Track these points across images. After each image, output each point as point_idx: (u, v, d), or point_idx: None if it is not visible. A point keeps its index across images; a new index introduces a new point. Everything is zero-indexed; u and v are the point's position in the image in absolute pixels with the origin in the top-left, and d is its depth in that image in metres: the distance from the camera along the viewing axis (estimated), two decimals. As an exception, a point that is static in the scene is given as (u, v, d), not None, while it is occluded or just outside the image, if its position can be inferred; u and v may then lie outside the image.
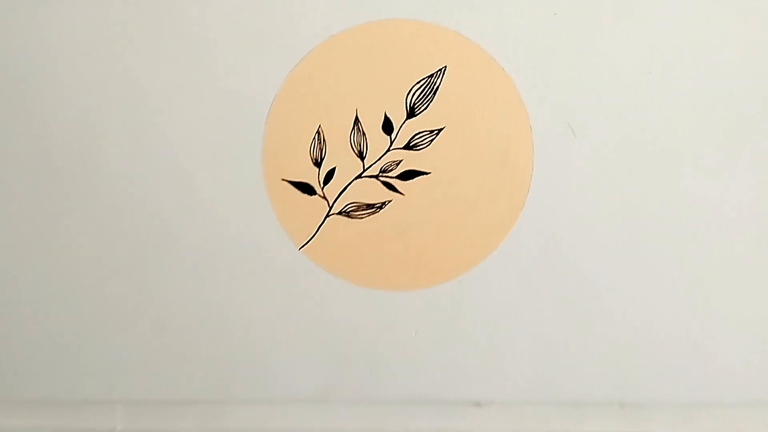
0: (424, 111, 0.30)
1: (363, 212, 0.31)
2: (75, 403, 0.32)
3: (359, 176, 0.30)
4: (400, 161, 0.30)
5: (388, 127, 0.30)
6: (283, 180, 0.30)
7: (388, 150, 0.30)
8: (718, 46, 0.29)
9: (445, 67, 0.30)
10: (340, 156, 0.30)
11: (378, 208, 0.31)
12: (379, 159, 0.30)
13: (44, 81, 0.29)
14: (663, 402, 0.31)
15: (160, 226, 0.31)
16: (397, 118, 0.30)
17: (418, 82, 0.30)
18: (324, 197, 0.30)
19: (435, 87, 0.30)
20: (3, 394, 0.32)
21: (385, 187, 0.30)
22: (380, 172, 0.30)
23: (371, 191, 0.30)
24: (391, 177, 0.30)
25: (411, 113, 0.30)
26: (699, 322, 0.31)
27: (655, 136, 0.29)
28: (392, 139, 0.30)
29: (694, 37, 0.29)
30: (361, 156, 0.30)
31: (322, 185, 0.30)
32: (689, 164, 0.30)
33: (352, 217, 0.31)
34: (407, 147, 0.30)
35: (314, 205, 0.30)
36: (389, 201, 0.30)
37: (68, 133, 0.30)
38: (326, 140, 0.30)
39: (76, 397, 0.32)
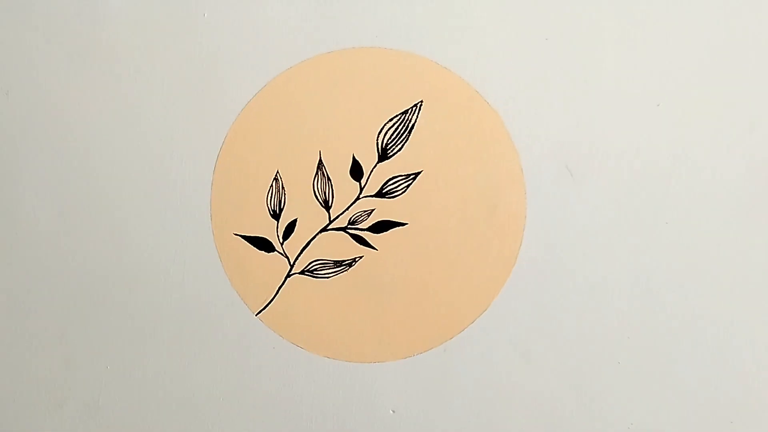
0: (399, 153, 0.26)
1: (330, 270, 0.27)
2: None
3: (324, 229, 0.27)
4: (372, 211, 0.26)
5: (357, 171, 0.26)
6: (236, 234, 0.26)
7: (358, 198, 0.27)
8: (736, 72, 0.26)
9: (422, 101, 0.26)
10: (301, 206, 0.26)
11: (347, 265, 0.27)
12: (348, 209, 0.27)
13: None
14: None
15: (96, 293, 0.27)
16: (368, 161, 0.26)
17: (391, 119, 0.26)
18: (284, 254, 0.27)
19: (410, 125, 0.26)
20: None
21: (355, 241, 0.27)
22: (349, 223, 0.27)
23: (339, 246, 0.27)
24: (362, 229, 0.27)
25: (383, 155, 0.26)
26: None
27: (666, 176, 0.26)
28: (362, 185, 0.26)
29: (709, 61, 0.25)
30: (327, 205, 0.27)
31: (281, 240, 0.27)
32: (706, 213, 0.26)
33: (317, 277, 0.27)
34: (380, 194, 0.26)
35: (273, 263, 0.27)
36: (360, 257, 0.27)
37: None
38: (285, 187, 0.26)
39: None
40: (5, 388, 0.27)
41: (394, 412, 0.27)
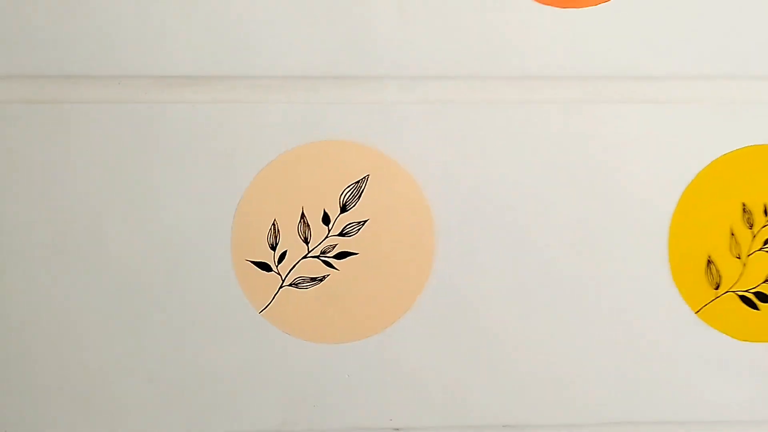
0: (353, 207, 0.39)
1: (308, 284, 0.39)
2: None
3: (305, 257, 0.39)
4: (336, 245, 0.39)
5: (326, 219, 0.39)
6: (247, 260, 0.39)
7: (327, 237, 0.39)
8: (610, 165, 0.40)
9: (368, 175, 0.39)
10: (290, 242, 0.39)
11: (319, 280, 0.39)
12: (320, 244, 0.39)
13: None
14: (542, 424, 0.41)
15: (148, 297, 0.39)
16: (333, 213, 0.39)
17: (349, 186, 0.39)
18: (278, 273, 0.39)
19: (361, 190, 0.39)
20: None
21: (324, 265, 0.39)
22: (321, 253, 0.39)
23: (314, 268, 0.39)
24: (329, 257, 0.39)
25: (343, 209, 0.39)
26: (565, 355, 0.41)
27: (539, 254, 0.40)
28: (329, 228, 0.39)
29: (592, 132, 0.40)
30: (306, 241, 0.39)
31: (276, 264, 0.39)
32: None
33: (300, 288, 0.39)
34: (341, 234, 0.39)
35: (270, 279, 0.39)
36: (327, 275, 0.39)
37: (78, 224, 0.39)
38: (280, 230, 0.39)
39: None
40: (89, 359, 0.40)
41: (348, 376, 0.41)
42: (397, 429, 0.40)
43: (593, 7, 0.39)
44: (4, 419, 0.39)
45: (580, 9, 0.39)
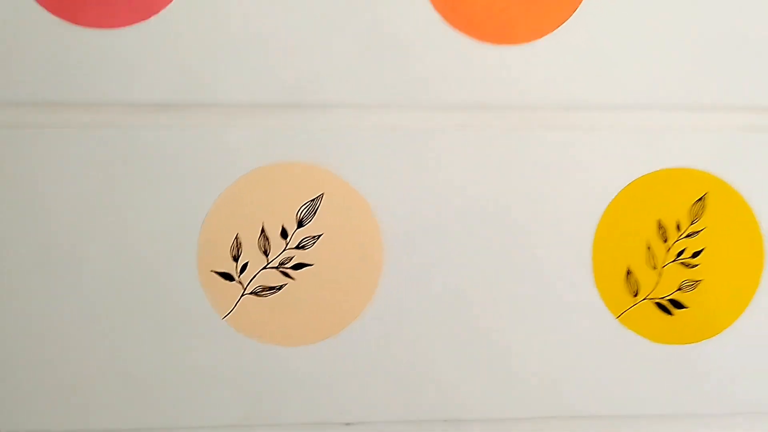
0: (309, 223, 0.43)
1: (267, 292, 0.43)
2: None
3: (264, 268, 0.43)
4: (293, 257, 0.43)
5: (284, 234, 0.43)
6: (212, 271, 0.43)
7: (284, 249, 0.43)
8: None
9: (323, 194, 0.43)
10: (251, 254, 0.42)
11: (277, 289, 0.43)
12: (278, 256, 0.42)
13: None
14: (478, 418, 0.46)
15: (123, 305, 0.43)
16: (291, 228, 0.42)
17: (305, 204, 0.43)
18: (240, 282, 0.43)
19: (316, 207, 0.43)
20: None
21: (282, 275, 0.43)
22: (279, 264, 0.43)
23: (272, 278, 0.43)
24: (287, 268, 0.43)
25: (300, 224, 0.43)
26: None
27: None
28: (287, 242, 0.43)
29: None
30: (266, 254, 0.43)
31: (238, 274, 0.43)
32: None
33: (260, 296, 0.43)
34: (298, 247, 0.43)
35: (233, 288, 0.42)
36: (285, 284, 0.43)
37: (58, 238, 0.42)
38: (242, 243, 0.42)
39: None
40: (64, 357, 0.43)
41: (305, 375, 0.45)
42: (349, 423, 0.44)
43: (526, 44, 0.43)
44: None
45: (514, 45, 0.43)
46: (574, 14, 0.43)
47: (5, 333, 0.42)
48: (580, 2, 0.43)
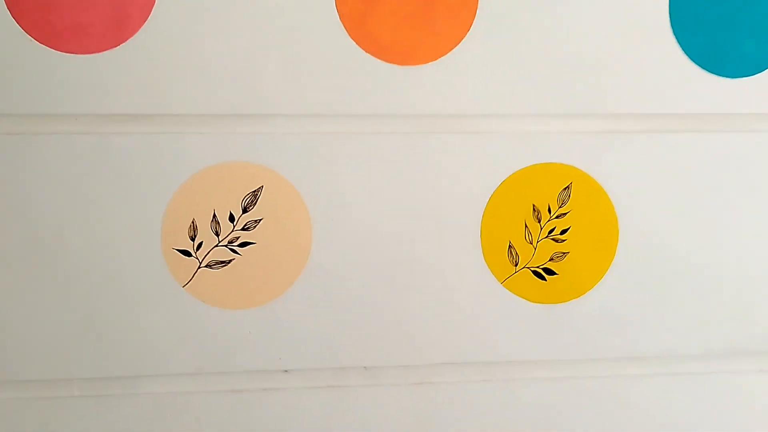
0: (252, 209, 0.53)
1: (218, 266, 0.53)
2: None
3: (216, 246, 0.52)
4: (239, 237, 0.52)
5: (231, 218, 0.52)
6: (173, 248, 0.53)
7: (232, 231, 0.52)
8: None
9: (262, 186, 0.53)
10: (205, 235, 0.52)
11: (227, 263, 0.52)
12: (227, 236, 0.52)
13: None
14: (390, 363, 0.57)
15: (97, 278, 0.53)
16: (237, 213, 0.52)
17: (248, 194, 0.53)
18: (196, 258, 0.52)
19: (257, 196, 0.53)
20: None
21: (230, 251, 0.52)
22: (228, 243, 0.52)
23: (223, 254, 0.52)
24: (234, 246, 0.52)
25: (244, 210, 0.52)
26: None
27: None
28: (234, 225, 0.52)
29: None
30: (217, 234, 0.52)
31: (195, 251, 0.52)
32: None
33: (212, 269, 0.53)
34: (243, 229, 0.52)
35: (191, 262, 0.52)
36: (233, 259, 0.52)
37: (41, 226, 0.52)
38: (198, 226, 0.52)
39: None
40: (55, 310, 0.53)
41: (250, 333, 0.56)
42: (286, 370, 0.55)
43: (424, 64, 0.54)
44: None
45: (414, 66, 0.54)
46: (460, 43, 0.54)
47: (8, 300, 0.52)
48: (466, 34, 0.54)
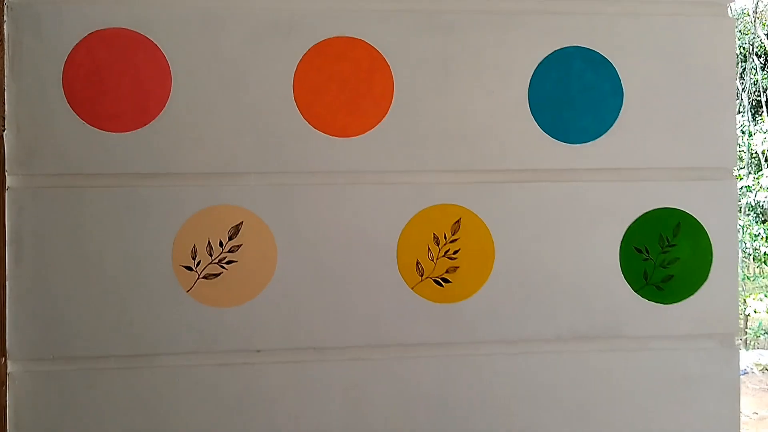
0: (235, 238, 0.78)
1: (212, 277, 0.78)
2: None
3: (210, 263, 0.78)
4: (226, 257, 0.78)
5: (221, 244, 0.77)
6: (180, 265, 0.78)
7: (221, 253, 0.78)
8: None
9: (243, 221, 0.78)
10: (202, 255, 0.78)
11: (218, 275, 0.78)
12: (218, 256, 0.77)
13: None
14: (335, 345, 0.81)
15: (126, 286, 0.77)
16: (224, 241, 0.77)
17: (232, 227, 0.78)
18: (196, 272, 0.78)
19: (239, 229, 0.78)
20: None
21: (220, 267, 0.78)
22: (218, 261, 0.78)
23: (214, 269, 0.77)
24: (223, 263, 0.78)
25: (230, 239, 0.77)
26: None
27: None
28: (222, 249, 0.78)
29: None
30: (211, 255, 0.78)
31: (195, 267, 0.78)
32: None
33: (208, 279, 0.78)
34: (229, 251, 0.78)
35: (192, 275, 0.78)
36: (221, 272, 0.78)
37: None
38: (197, 250, 0.77)
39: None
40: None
41: (233, 323, 0.80)
42: (259, 350, 0.79)
43: (355, 137, 0.79)
44: None
45: (348, 138, 0.78)
46: (380, 122, 0.79)
47: (65, 301, 0.76)
48: (385, 116, 0.78)
